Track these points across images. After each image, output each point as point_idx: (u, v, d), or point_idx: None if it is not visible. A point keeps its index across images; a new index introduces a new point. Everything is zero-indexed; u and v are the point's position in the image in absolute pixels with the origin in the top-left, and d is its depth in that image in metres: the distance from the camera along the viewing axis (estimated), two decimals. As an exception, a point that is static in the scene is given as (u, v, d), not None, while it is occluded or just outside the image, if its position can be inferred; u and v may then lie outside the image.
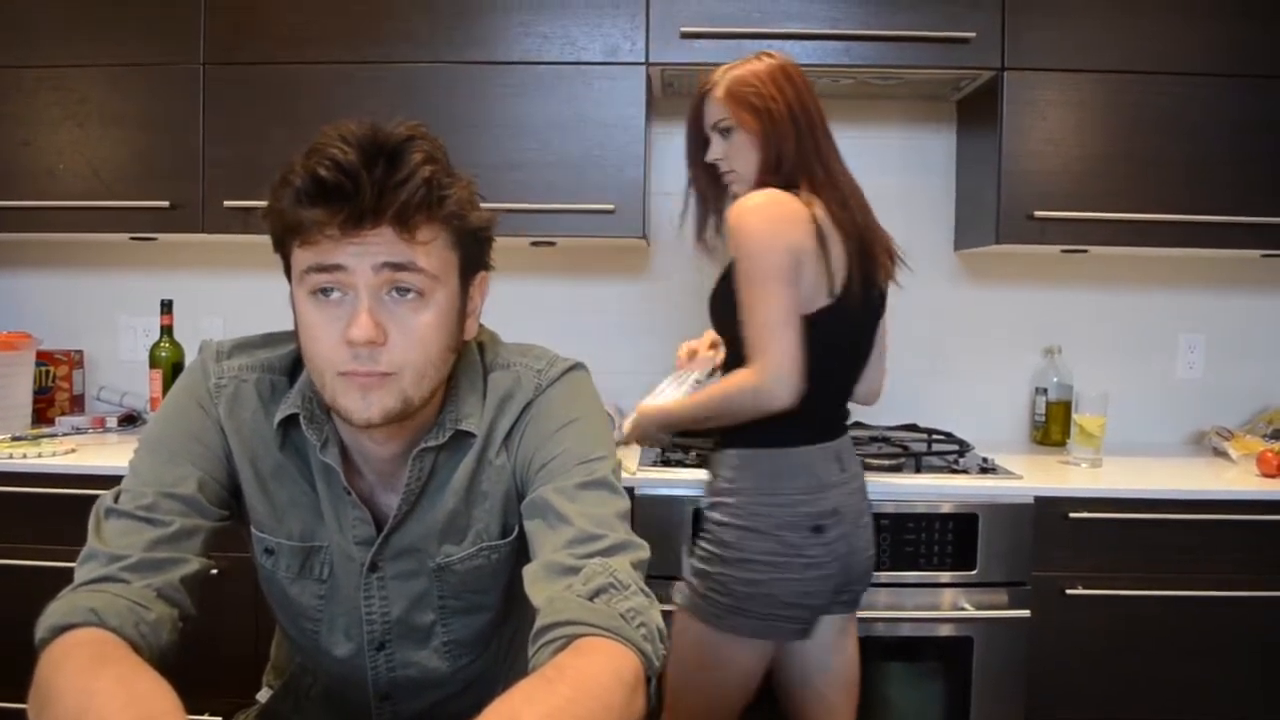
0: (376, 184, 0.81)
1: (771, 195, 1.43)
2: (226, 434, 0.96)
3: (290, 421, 0.95)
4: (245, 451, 0.96)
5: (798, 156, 1.48)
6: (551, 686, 0.71)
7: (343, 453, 0.96)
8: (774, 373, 1.38)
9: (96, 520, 0.88)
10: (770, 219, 1.41)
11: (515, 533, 0.99)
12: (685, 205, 1.65)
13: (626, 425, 1.68)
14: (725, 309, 1.49)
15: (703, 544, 1.50)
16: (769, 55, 1.53)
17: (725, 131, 1.52)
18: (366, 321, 0.82)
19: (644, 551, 0.89)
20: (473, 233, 0.90)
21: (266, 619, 1.11)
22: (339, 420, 0.93)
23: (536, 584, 0.85)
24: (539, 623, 0.81)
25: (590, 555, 0.85)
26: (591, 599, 0.81)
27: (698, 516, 1.69)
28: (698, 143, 1.59)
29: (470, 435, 0.97)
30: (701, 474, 1.85)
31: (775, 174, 1.48)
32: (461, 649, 1.04)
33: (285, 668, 1.15)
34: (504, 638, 1.08)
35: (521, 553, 0.96)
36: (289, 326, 0.94)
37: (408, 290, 0.85)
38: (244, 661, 1.71)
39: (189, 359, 1.39)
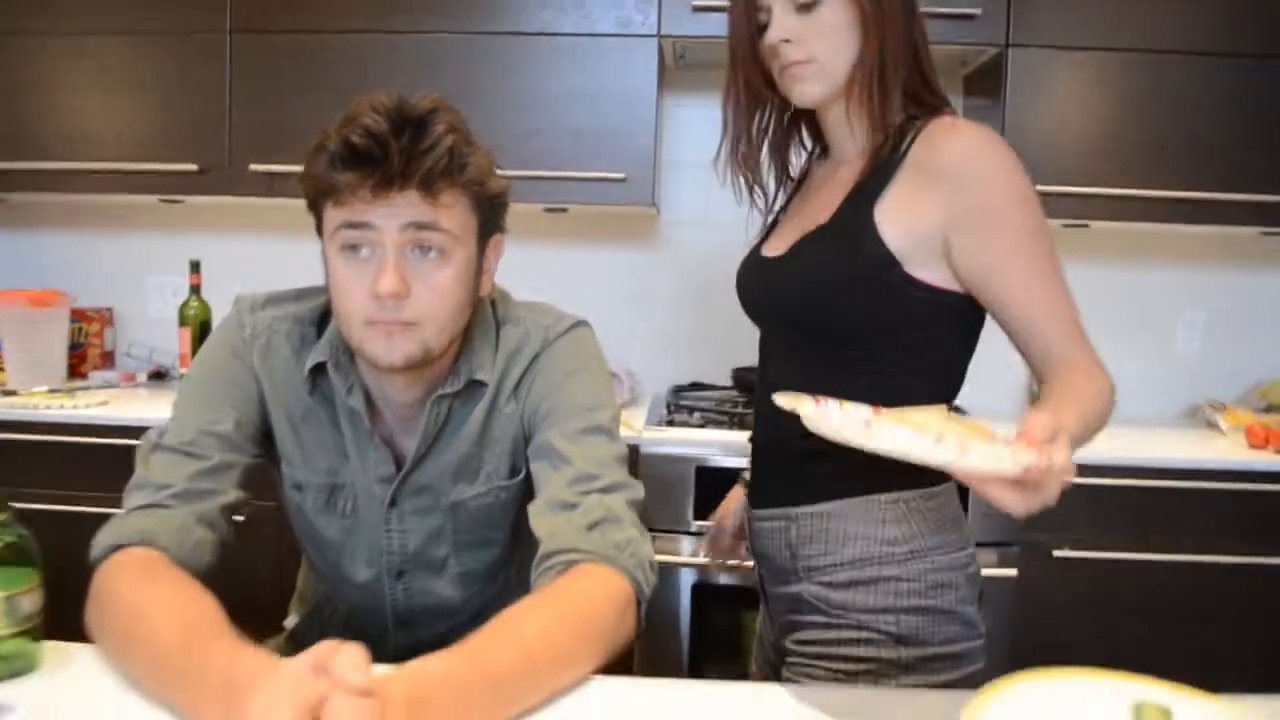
0: (404, 151, 0.88)
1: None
2: (260, 380, 1.04)
3: (319, 369, 1.04)
4: (277, 396, 1.04)
5: (914, 65, 1.03)
6: (550, 603, 0.80)
7: (366, 399, 1.04)
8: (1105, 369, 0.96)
9: (144, 454, 0.98)
10: (1015, 156, 0.97)
11: (523, 473, 1.08)
12: (725, 119, 1.13)
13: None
14: (873, 295, 1.02)
15: (846, 648, 1.01)
16: None
17: (807, 6, 1.01)
18: (393, 276, 0.90)
19: (639, 491, 0.97)
20: (490, 198, 0.98)
21: (291, 562, 1.19)
22: (364, 367, 1.02)
23: (540, 518, 0.94)
24: (541, 550, 0.90)
25: (589, 493, 0.94)
26: (589, 530, 0.89)
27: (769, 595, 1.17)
28: (747, 25, 1.06)
29: (483, 384, 1.05)
30: (706, 434, 1.93)
31: (879, 79, 1.01)
32: (472, 580, 1.13)
33: (310, 597, 1.25)
34: (511, 571, 1.17)
35: (528, 493, 1.04)
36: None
37: (430, 248, 0.93)
38: (269, 602, 1.81)
39: (216, 318, 1.45)
